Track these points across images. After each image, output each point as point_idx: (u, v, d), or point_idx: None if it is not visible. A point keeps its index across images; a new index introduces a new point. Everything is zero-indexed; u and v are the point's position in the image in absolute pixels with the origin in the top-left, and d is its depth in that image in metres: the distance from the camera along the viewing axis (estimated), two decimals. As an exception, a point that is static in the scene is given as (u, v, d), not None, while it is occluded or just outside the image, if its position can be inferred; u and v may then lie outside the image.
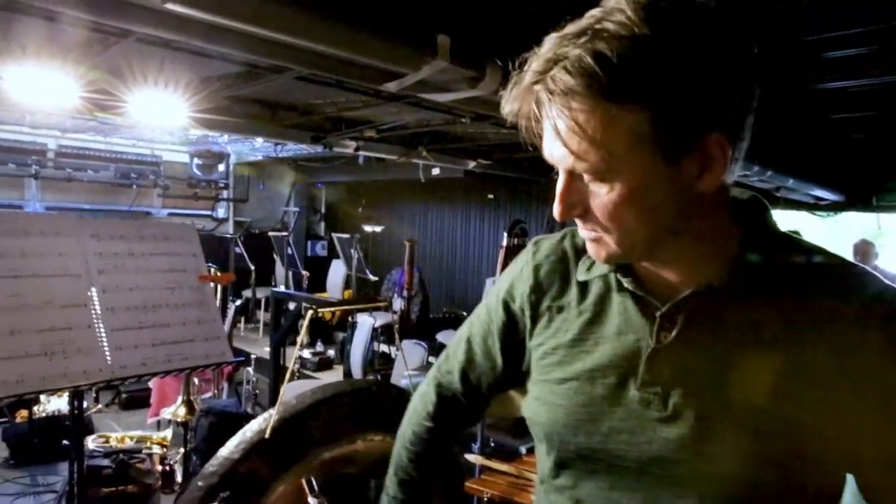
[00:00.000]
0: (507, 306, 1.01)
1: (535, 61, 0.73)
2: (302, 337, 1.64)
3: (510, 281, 1.01)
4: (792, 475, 0.76)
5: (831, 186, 6.03)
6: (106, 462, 3.80)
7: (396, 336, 1.95)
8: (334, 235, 7.42)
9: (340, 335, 7.03)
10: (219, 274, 2.31)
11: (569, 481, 0.91)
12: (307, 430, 1.69)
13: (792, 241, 0.84)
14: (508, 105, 0.76)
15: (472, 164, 6.47)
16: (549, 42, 0.73)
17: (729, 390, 0.77)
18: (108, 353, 1.58)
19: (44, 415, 4.67)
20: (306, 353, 6.42)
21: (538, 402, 0.93)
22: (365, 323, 5.24)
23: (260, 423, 1.63)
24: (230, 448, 1.58)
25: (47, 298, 1.55)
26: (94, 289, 1.63)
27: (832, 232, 7.53)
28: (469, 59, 2.27)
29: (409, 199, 9.12)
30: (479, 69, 2.29)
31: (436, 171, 6.66)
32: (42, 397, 4.89)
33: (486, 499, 1.96)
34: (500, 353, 1.03)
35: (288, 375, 1.56)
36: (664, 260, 0.82)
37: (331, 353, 6.76)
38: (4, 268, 1.52)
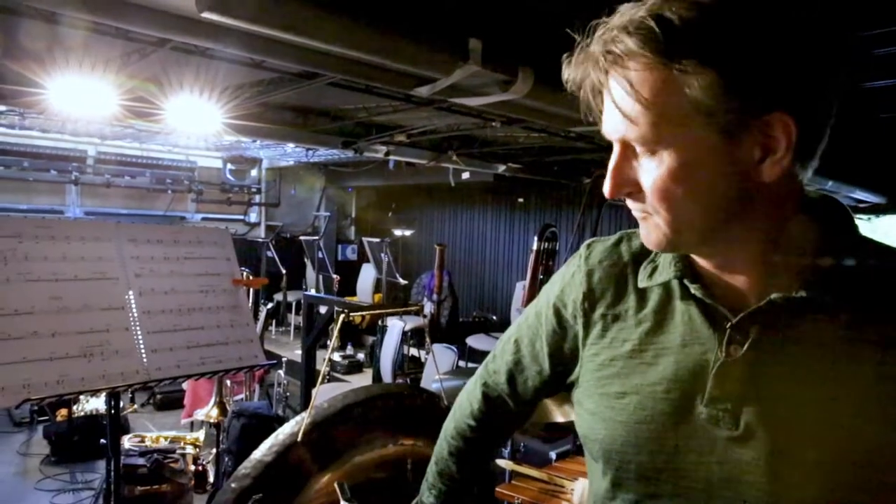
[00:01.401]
0: (557, 312, 0.96)
1: (601, 28, 0.71)
2: (334, 340, 1.65)
3: (561, 285, 0.96)
4: (879, 501, 0.70)
5: (873, 188, 5.86)
6: (141, 461, 3.87)
7: (427, 339, 1.95)
8: (364, 239, 7.47)
9: (370, 339, 7.06)
10: (251, 278, 2.34)
11: (629, 499, 0.85)
12: (339, 433, 1.70)
13: (879, 247, 0.77)
14: (570, 71, 0.74)
15: (501, 168, 6.45)
16: (620, 11, 0.71)
17: (808, 410, 0.71)
18: (144, 355, 1.61)
19: (82, 414, 4.79)
20: (337, 357, 6.46)
21: (594, 418, 0.87)
22: (395, 326, 5.26)
23: (292, 427, 1.64)
24: (263, 451, 1.59)
25: (87, 301, 1.58)
26: (131, 292, 1.66)
27: (872, 236, 7.34)
28: (501, 62, 2.26)
29: (439, 203, 9.14)
30: (511, 73, 2.29)
31: (465, 176, 6.65)
32: (81, 397, 5.02)
33: (516, 505, 1.94)
34: (547, 359, 0.99)
35: (320, 378, 1.57)
36: (732, 263, 0.76)
37: (361, 356, 6.80)
38: (46, 271, 1.56)
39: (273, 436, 1.63)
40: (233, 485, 1.53)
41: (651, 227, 0.76)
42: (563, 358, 0.96)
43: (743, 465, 0.73)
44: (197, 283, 1.81)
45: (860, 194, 5.90)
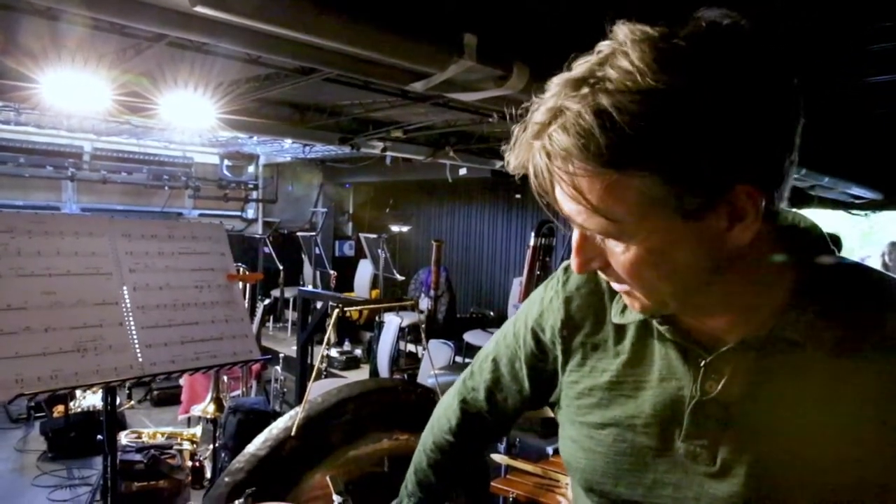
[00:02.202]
0: (536, 336, 0.96)
1: (539, 110, 0.65)
2: (329, 335, 1.65)
3: (539, 309, 0.95)
4: None
5: (869, 184, 5.87)
6: (138, 457, 3.87)
7: (423, 335, 1.95)
8: (361, 235, 7.47)
9: (368, 335, 7.07)
10: (247, 273, 2.34)
11: None
12: (333, 427, 1.70)
13: (858, 278, 0.75)
14: (513, 159, 0.69)
15: (499, 164, 6.45)
16: (554, 87, 0.65)
17: (784, 447, 0.71)
18: (138, 351, 1.61)
19: (79, 410, 4.78)
20: (334, 353, 6.47)
21: (575, 446, 0.88)
22: (392, 322, 5.26)
23: (286, 421, 1.64)
24: (257, 445, 1.59)
25: (80, 297, 1.58)
26: (125, 287, 1.66)
27: (869, 232, 7.34)
28: (496, 57, 2.26)
29: (437, 199, 9.13)
30: (506, 68, 2.29)
31: (463, 172, 6.65)
32: (77, 393, 5.01)
33: (511, 499, 1.94)
34: (527, 379, 0.99)
35: (314, 374, 1.57)
36: (706, 309, 0.76)
37: (358, 352, 6.81)
38: (40, 266, 1.56)
39: (267, 430, 1.63)
40: (226, 479, 1.53)
41: (633, 298, 0.75)
42: (544, 379, 0.96)
43: (719, 500, 0.74)
44: (191, 278, 1.81)
45: (857, 190, 5.90)
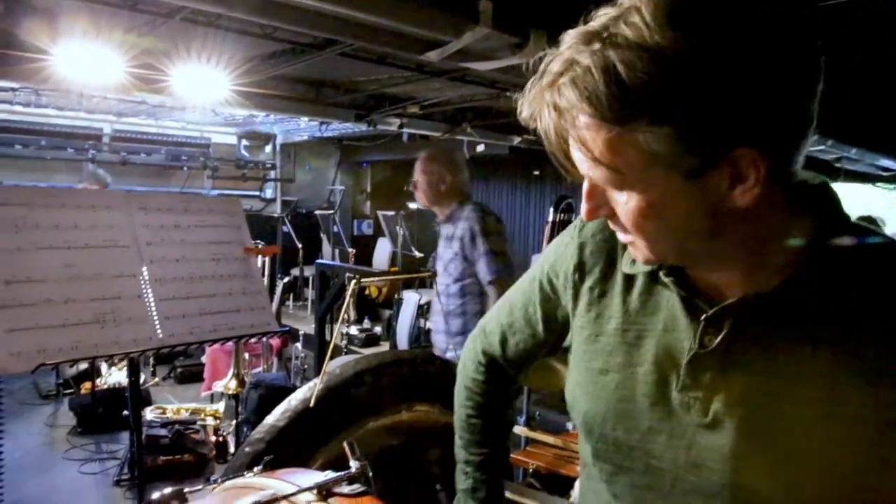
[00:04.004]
0: (550, 281, 0.99)
1: (553, 61, 0.67)
2: (346, 305, 1.65)
3: (555, 255, 0.98)
4: (842, 499, 0.70)
5: (897, 155, 5.72)
6: (163, 432, 3.95)
7: (442, 306, 1.94)
8: (379, 213, 7.46)
9: (387, 312, 7.10)
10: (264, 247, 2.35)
11: (604, 474, 0.90)
12: (351, 399, 1.70)
13: (865, 239, 0.75)
14: (526, 108, 0.71)
15: (517, 140, 6.38)
16: (567, 39, 0.67)
17: (773, 405, 0.72)
18: (157, 323, 1.62)
19: (106, 387, 4.87)
20: (353, 330, 6.50)
21: (579, 390, 0.91)
22: (411, 300, 5.27)
23: (305, 392, 1.64)
24: (276, 416, 1.60)
25: (98, 269, 1.59)
26: (142, 260, 1.67)
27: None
28: (512, 25, 2.21)
29: (454, 176, 9.07)
30: (522, 35, 2.24)
31: (480, 148, 6.60)
32: (103, 370, 5.11)
33: (531, 470, 1.94)
34: (541, 323, 1.02)
35: (330, 350, 1.56)
36: (708, 264, 0.77)
37: (377, 329, 6.84)
38: (58, 239, 1.56)
39: (286, 401, 1.64)
40: (247, 449, 1.54)
41: (634, 249, 0.77)
42: (557, 324, 0.99)
43: (708, 451, 0.76)
44: (208, 251, 1.81)
45: (885, 162, 5.76)
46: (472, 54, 2.41)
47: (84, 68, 2.42)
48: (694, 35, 0.61)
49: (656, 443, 0.81)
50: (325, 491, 0.95)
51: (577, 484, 1.78)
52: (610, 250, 0.90)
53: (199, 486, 1.16)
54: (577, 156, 0.70)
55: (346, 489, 0.96)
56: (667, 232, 0.71)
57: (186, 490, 1.14)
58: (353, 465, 1.01)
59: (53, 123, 6.78)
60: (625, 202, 0.70)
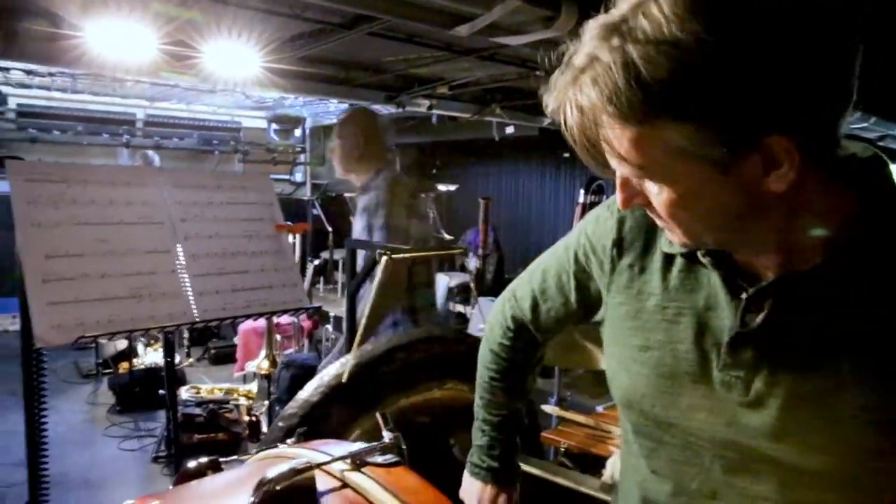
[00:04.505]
0: (586, 253, 0.98)
1: (575, 54, 0.66)
2: (377, 282, 1.64)
3: (594, 227, 0.97)
4: (883, 473, 0.70)
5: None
6: (198, 411, 4.03)
7: (473, 290, 1.93)
8: (408, 196, 7.44)
9: (416, 295, 7.10)
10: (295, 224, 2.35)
11: (644, 450, 0.90)
12: (383, 375, 1.70)
13: None
14: (551, 102, 0.71)
15: (546, 122, 6.30)
16: (589, 31, 0.65)
17: (817, 382, 0.71)
18: (191, 298, 1.64)
19: (142, 367, 4.99)
20: (383, 313, 6.53)
21: (619, 366, 0.91)
22: (440, 282, 5.26)
23: (337, 368, 1.65)
24: (309, 391, 1.61)
25: (133, 245, 1.61)
26: (176, 236, 1.68)
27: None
28: (543, -3, 2.16)
29: (483, 159, 9.03)
30: (553, 8, 2.19)
31: (509, 130, 6.53)
32: (140, 350, 5.23)
33: (562, 449, 1.93)
34: (573, 293, 1.02)
35: (365, 317, 1.56)
36: (747, 246, 0.75)
37: (407, 312, 6.85)
38: (94, 215, 1.58)
39: (318, 377, 1.65)
40: (280, 423, 1.56)
41: (669, 233, 0.77)
42: (590, 295, 0.99)
43: (750, 430, 0.75)
44: (240, 227, 1.82)
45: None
46: (502, 29, 2.37)
47: (117, 45, 2.44)
48: (715, 26, 0.58)
49: (696, 419, 0.81)
50: (358, 460, 0.94)
51: (608, 463, 1.76)
52: (649, 227, 0.88)
53: (234, 457, 1.17)
54: (605, 150, 0.69)
55: (379, 459, 0.95)
56: (701, 220, 0.71)
57: (222, 460, 1.15)
58: (387, 435, 1.00)
59: (89, 109, 6.90)
60: (657, 193, 0.70)
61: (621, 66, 0.60)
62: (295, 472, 0.88)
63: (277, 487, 0.86)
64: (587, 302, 1.01)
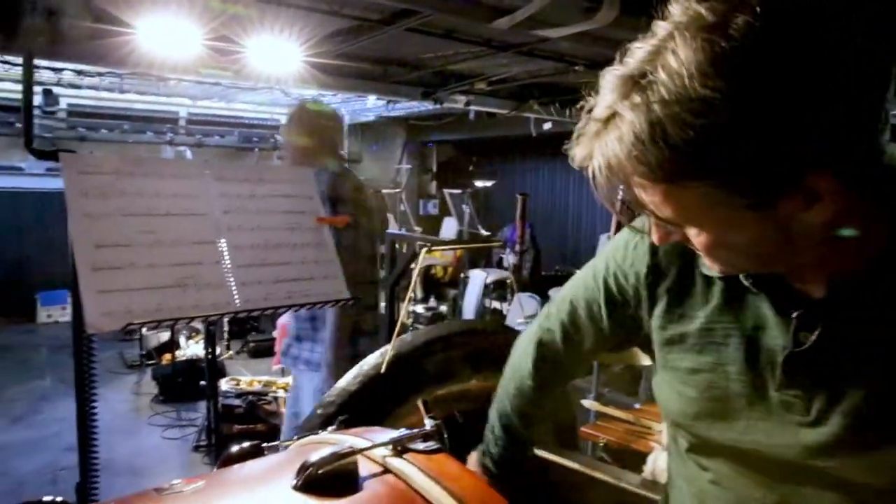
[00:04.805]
0: (618, 281, 0.95)
1: (597, 106, 0.65)
2: (416, 273, 1.65)
3: (623, 254, 0.94)
4: None
5: None
6: (237, 402, 4.11)
7: (513, 285, 1.92)
8: (446, 191, 7.47)
9: (452, 292, 7.13)
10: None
11: (702, 461, 0.88)
12: (421, 366, 1.71)
13: None
14: (578, 154, 0.69)
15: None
16: (608, 83, 0.64)
17: (878, 398, 0.69)
18: (234, 288, 1.67)
19: (184, 358, 5.12)
20: (419, 308, 6.57)
21: (669, 389, 0.88)
22: (477, 278, 5.27)
23: (376, 358, 1.66)
24: (347, 380, 1.62)
25: (178, 236, 1.64)
26: (220, 228, 1.71)
27: None
28: (584, -12, 2.14)
29: (520, 156, 8.99)
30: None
31: (547, 126, 6.48)
32: (182, 342, 5.36)
33: (602, 444, 1.90)
34: (607, 320, 0.99)
35: (405, 307, 1.57)
36: (792, 270, 0.73)
37: (443, 308, 6.88)
38: (141, 206, 1.63)
39: (357, 366, 1.66)
40: (318, 411, 1.57)
41: (710, 263, 0.75)
42: (625, 323, 0.97)
43: (812, 449, 0.73)
44: (282, 220, 1.85)
45: None
46: (542, 21, 2.35)
47: (165, 42, 2.51)
48: (740, 79, 0.55)
49: (752, 441, 0.79)
50: (399, 446, 0.95)
51: (649, 458, 1.73)
52: (685, 249, 0.84)
53: (276, 443, 1.19)
54: (637, 200, 0.68)
55: (420, 445, 0.96)
56: (741, 255, 0.69)
57: (264, 445, 1.17)
58: (428, 423, 1.00)
59: (135, 108, 7.10)
60: (696, 234, 0.68)
61: (647, 127, 0.59)
62: (337, 456, 0.89)
63: (320, 471, 0.87)
64: (623, 328, 0.98)
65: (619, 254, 0.95)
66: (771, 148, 0.57)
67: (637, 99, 0.60)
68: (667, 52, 0.59)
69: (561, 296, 1.09)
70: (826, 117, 0.57)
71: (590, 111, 0.67)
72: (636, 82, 0.61)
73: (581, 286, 1.03)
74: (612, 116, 0.63)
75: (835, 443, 0.71)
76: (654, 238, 0.74)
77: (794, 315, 0.73)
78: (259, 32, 2.74)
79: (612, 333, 1.00)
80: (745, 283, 0.77)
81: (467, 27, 3.34)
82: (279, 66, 3.17)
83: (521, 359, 1.14)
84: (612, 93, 0.63)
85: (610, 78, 0.64)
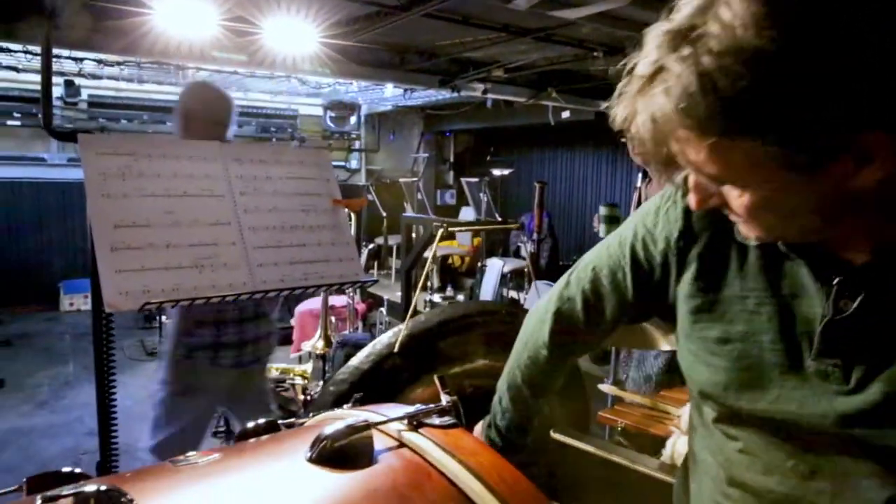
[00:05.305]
0: (646, 246, 0.92)
1: (641, 63, 0.63)
2: (432, 254, 1.64)
3: (653, 220, 0.92)
4: None
5: None
6: (256, 389, 4.13)
7: (531, 272, 1.91)
8: (463, 180, 7.43)
9: (469, 281, 7.12)
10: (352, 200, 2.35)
11: (730, 431, 0.86)
12: (434, 346, 1.70)
13: None
14: (619, 114, 0.68)
15: (603, 106, 6.16)
16: (654, 38, 0.62)
17: None
18: (250, 269, 1.67)
19: (203, 346, 5.15)
20: (436, 297, 6.56)
21: (696, 360, 0.86)
22: (494, 266, 5.25)
23: (389, 337, 1.66)
24: (360, 359, 1.63)
25: (196, 216, 1.64)
26: (237, 209, 1.71)
27: None
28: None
29: (538, 145, 8.94)
30: (615, -22, 2.13)
31: (565, 115, 6.43)
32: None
33: (620, 428, 1.89)
34: (631, 289, 0.96)
35: (420, 286, 1.56)
36: (833, 238, 0.71)
37: (460, 297, 6.87)
38: (160, 187, 1.63)
39: (370, 345, 1.66)
40: (331, 388, 1.58)
41: (747, 229, 0.73)
42: (650, 291, 0.94)
43: (849, 418, 0.71)
44: (298, 202, 1.84)
45: None
46: (561, 2, 2.32)
47: (181, 21, 2.52)
48: (796, 29, 0.54)
49: (785, 411, 0.76)
50: (415, 421, 0.94)
51: (668, 442, 1.71)
52: (719, 214, 0.82)
53: (292, 419, 1.19)
54: (679, 158, 0.66)
55: (436, 421, 0.95)
56: (785, 220, 0.67)
57: (280, 422, 1.17)
58: (444, 398, 0.99)
59: (153, 99, 7.17)
60: (737, 196, 0.66)
61: (696, 79, 0.57)
62: (352, 429, 0.88)
63: (335, 444, 0.87)
64: (646, 298, 0.95)
65: (650, 219, 0.93)
66: (825, 103, 0.55)
67: (686, 51, 0.59)
68: (719, 4, 0.57)
69: (582, 264, 1.05)
70: (884, 72, 0.55)
71: (632, 70, 0.65)
72: (685, 36, 0.59)
73: (605, 254, 1.01)
74: (658, 71, 0.61)
75: (873, 411, 0.69)
76: (692, 202, 0.72)
77: (835, 282, 0.71)
78: (275, 13, 2.74)
79: (635, 302, 0.97)
80: (783, 249, 0.75)
81: (485, 11, 3.31)
82: (295, 47, 3.17)
83: (536, 328, 1.12)
84: (658, 48, 0.62)
85: (655, 34, 0.63)
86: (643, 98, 0.63)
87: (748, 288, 0.80)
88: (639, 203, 3.42)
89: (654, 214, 0.92)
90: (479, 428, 1.26)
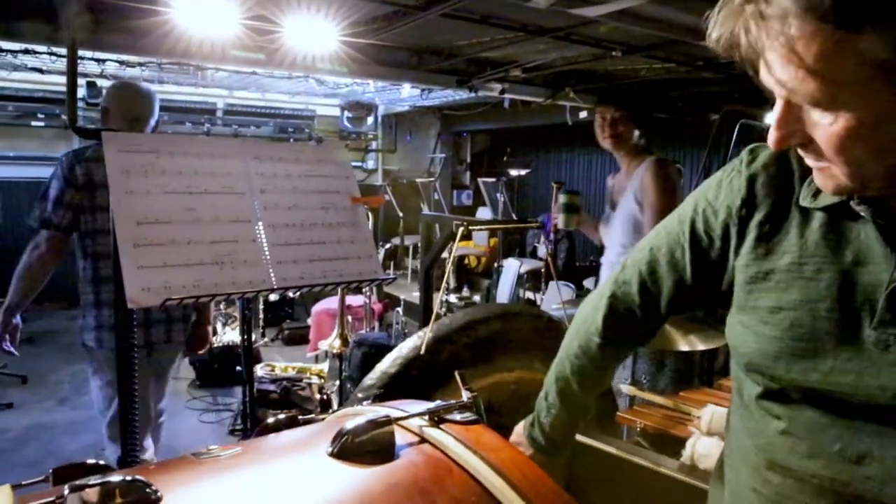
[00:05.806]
0: (706, 219, 0.90)
1: None
2: (453, 254, 1.64)
3: (715, 191, 0.90)
4: None
5: None
6: (272, 387, 4.16)
7: (552, 271, 1.89)
8: (480, 180, 7.44)
9: (485, 282, 7.11)
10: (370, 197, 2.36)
11: (775, 409, 0.82)
12: (460, 348, 1.69)
13: None
14: (717, 29, 0.66)
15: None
16: None
17: None
18: (270, 266, 1.67)
19: (221, 345, 5.20)
20: (453, 298, 6.56)
21: (746, 331, 0.84)
22: (511, 267, 5.24)
23: (415, 341, 1.65)
24: (387, 363, 1.62)
25: (216, 214, 1.65)
26: (256, 206, 1.72)
27: None
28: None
29: (555, 145, 8.90)
30: (635, -24, 2.12)
31: (583, 115, 6.40)
32: (219, 329, 5.44)
33: (639, 429, 1.87)
34: (689, 267, 0.94)
35: (443, 287, 1.56)
36: None
37: (476, 298, 6.86)
38: (181, 184, 1.64)
39: (397, 349, 1.65)
40: (359, 395, 1.57)
41: (828, 176, 0.69)
42: (708, 268, 0.91)
43: None
44: (318, 199, 1.85)
45: None
46: (580, 0, 2.31)
47: (202, 20, 2.54)
48: None
49: (840, 384, 0.73)
50: (436, 417, 0.94)
51: (688, 444, 1.69)
52: (784, 182, 0.81)
53: (312, 415, 1.19)
54: (780, 74, 0.63)
55: (457, 417, 0.94)
56: (877, 155, 0.64)
57: (300, 418, 1.18)
58: (465, 394, 0.99)
59: (174, 99, 7.24)
60: (829, 123, 0.63)
61: None
62: (374, 424, 0.88)
63: (356, 439, 0.87)
64: (705, 276, 0.93)
65: (711, 192, 0.91)
66: None
67: None
68: None
69: (639, 246, 1.04)
70: None
71: None
72: None
73: (663, 233, 0.99)
74: None
75: None
76: (772, 140, 0.70)
77: None
78: (296, 12, 2.75)
79: (693, 283, 0.94)
80: (857, 208, 0.72)
81: (504, 10, 3.30)
82: (315, 46, 3.18)
83: (589, 315, 1.10)
84: None
85: None
86: (750, 5, 0.62)
87: (808, 255, 0.78)
88: (612, 197, 3.13)
89: (717, 187, 0.90)
90: (520, 427, 1.24)
